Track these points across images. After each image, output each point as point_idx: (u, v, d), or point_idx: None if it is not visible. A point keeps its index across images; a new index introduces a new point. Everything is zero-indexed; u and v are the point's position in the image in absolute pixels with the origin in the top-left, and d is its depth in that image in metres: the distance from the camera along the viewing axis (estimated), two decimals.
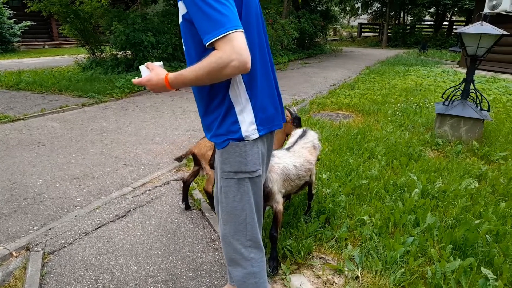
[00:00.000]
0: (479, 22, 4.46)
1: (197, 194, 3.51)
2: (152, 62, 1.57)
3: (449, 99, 4.90)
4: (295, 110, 3.07)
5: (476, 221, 2.76)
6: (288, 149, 2.51)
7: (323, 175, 3.67)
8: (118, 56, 10.20)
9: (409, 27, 26.71)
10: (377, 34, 31.57)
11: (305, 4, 19.51)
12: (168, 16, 9.83)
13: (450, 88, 5.04)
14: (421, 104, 6.69)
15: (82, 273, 2.42)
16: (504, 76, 10.63)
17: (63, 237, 2.82)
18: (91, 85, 8.42)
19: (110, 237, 2.84)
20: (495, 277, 2.16)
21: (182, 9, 1.40)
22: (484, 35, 4.28)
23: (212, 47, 1.26)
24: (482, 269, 2.21)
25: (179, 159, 3.20)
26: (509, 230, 2.71)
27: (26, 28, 17.48)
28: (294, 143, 2.58)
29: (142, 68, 1.54)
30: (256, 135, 1.53)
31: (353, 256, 2.52)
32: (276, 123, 1.65)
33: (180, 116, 6.48)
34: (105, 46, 11.06)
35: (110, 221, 3.07)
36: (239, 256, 1.70)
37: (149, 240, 2.80)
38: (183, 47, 1.56)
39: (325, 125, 5.49)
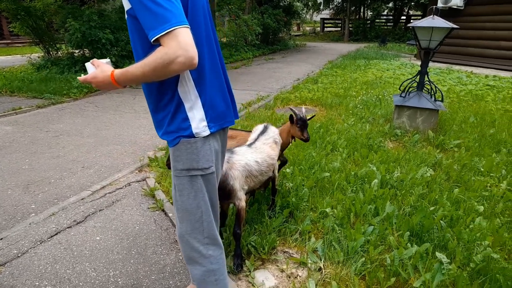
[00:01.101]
0: (431, 16, 4.63)
1: (159, 194, 3.43)
2: (101, 60, 1.51)
3: (405, 91, 5.08)
4: (303, 112, 2.89)
5: (432, 208, 2.88)
6: (249, 145, 2.50)
7: (287, 169, 3.69)
8: (75, 54, 9.77)
9: (369, 21, 27.46)
10: (339, 29, 32.21)
11: None
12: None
13: (407, 80, 5.23)
14: (380, 96, 6.89)
15: (37, 283, 2.30)
16: (457, 67, 11.17)
17: (16, 246, 2.67)
18: (46, 85, 8.02)
19: (68, 244, 2.72)
20: (448, 260, 2.26)
21: (126, 4, 1.36)
22: (436, 28, 4.45)
23: (158, 43, 1.23)
24: (437, 253, 2.30)
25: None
26: (462, 215, 2.85)
27: None
28: (256, 140, 2.58)
29: (88, 65, 1.49)
30: (207, 132, 1.52)
31: (316, 248, 2.55)
32: (228, 119, 1.65)
33: (142, 115, 6.31)
34: (60, 45, 10.55)
35: (68, 227, 2.94)
36: (197, 254, 1.68)
37: (109, 244, 2.71)
38: (130, 43, 1.51)
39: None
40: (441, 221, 2.72)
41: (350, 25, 26.23)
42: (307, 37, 29.35)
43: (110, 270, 2.43)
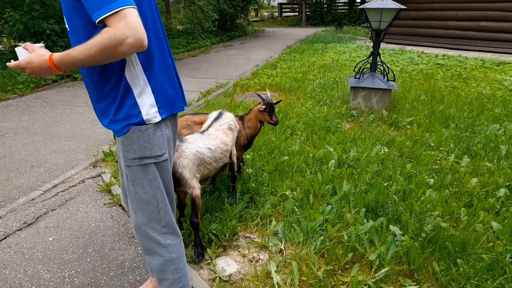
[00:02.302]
0: None
1: (116, 189, 3.31)
2: (36, 44, 1.40)
3: (360, 73, 5.19)
4: (269, 96, 2.86)
5: (385, 184, 2.99)
6: (202, 132, 2.46)
7: (247, 155, 3.69)
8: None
9: (325, 5, 27.74)
10: (297, 13, 32.33)
11: None
12: None
13: (360, 62, 5.34)
14: (337, 79, 7.02)
15: None
16: (410, 48, 11.58)
17: None
18: None
19: (18, 247, 2.57)
20: (401, 232, 2.36)
21: None
22: (385, 9, 4.56)
23: (102, 25, 1.17)
24: (391, 227, 2.40)
25: None
26: (414, 189, 2.98)
27: None
28: (209, 126, 2.53)
29: (19, 50, 1.37)
30: (158, 118, 1.48)
31: (277, 231, 2.58)
32: (177, 105, 1.61)
33: None
34: (1, 37, 9.82)
35: (17, 230, 2.78)
36: (155, 244, 1.65)
37: (63, 244, 2.59)
38: (66, 26, 1.41)
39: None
40: (394, 196, 2.83)
41: (307, 10, 26.38)
42: (265, 23, 29.24)
43: (65, 271, 2.32)
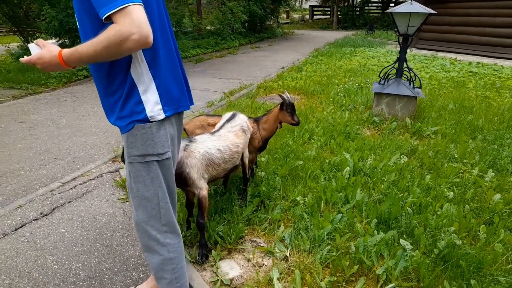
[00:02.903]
0: (409, 1, 4.58)
1: None
2: (48, 41, 1.45)
3: (385, 78, 5.05)
4: (289, 97, 2.85)
5: (400, 195, 2.88)
6: (213, 133, 2.45)
7: (262, 158, 3.66)
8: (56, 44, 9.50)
9: (358, 8, 27.27)
10: (328, 16, 31.99)
11: None
12: None
13: (386, 67, 5.19)
14: (362, 84, 6.86)
15: None
16: (442, 54, 11.18)
17: None
18: (23, 75, 7.82)
19: (31, 236, 2.66)
20: (412, 247, 2.26)
21: None
22: (414, 14, 4.41)
23: (109, 22, 1.19)
24: (401, 240, 2.30)
25: None
26: (431, 202, 2.85)
27: None
28: (221, 127, 2.53)
29: (32, 46, 1.42)
30: (162, 116, 1.48)
31: (284, 237, 2.53)
32: (182, 104, 1.61)
33: None
34: (40, 34, 10.27)
35: (33, 220, 2.87)
36: (154, 242, 1.66)
37: (74, 237, 2.66)
38: (77, 24, 1.45)
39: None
40: (408, 208, 2.72)
41: (338, 12, 26.03)
42: (296, 25, 29.11)
43: (73, 263, 2.38)
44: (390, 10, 4.59)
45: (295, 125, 2.92)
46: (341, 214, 2.67)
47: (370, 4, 28.75)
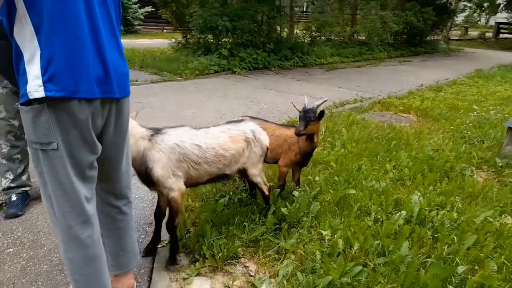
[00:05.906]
0: None
1: None
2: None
3: None
4: (318, 105, 2.50)
5: (460, 268, 2.02)
6: (198, 128, 2.19)
7: (316, 177, 3.16)
8: (201, 40, 10.57)
9: None
10: None
11: None
12: (249, 1, 9.69)
13: None
14: (510, 115, 5.34)
15: None
16: None
17: None
18: (168, 65, 8.94)
19: None
20: None
21: None
22: None
23: None
24: None
25: None
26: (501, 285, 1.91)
27: (147, 13, 19.41)
28: (216, 126, 2.26)
29: None
30: (40, 94, 1.23)
31: (278, 272, 2.08)
32: (102, 89, 1.36)
33: (229, 100, 6.42)
34: (190, 30, 11.50)
35: None
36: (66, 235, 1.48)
37: None
38: None
39: (368, 125, 4.79)
40: None
41: None
42: (471, 42, 25.22)
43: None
44: None
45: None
46: (360, 268, 2.04)
47: None
